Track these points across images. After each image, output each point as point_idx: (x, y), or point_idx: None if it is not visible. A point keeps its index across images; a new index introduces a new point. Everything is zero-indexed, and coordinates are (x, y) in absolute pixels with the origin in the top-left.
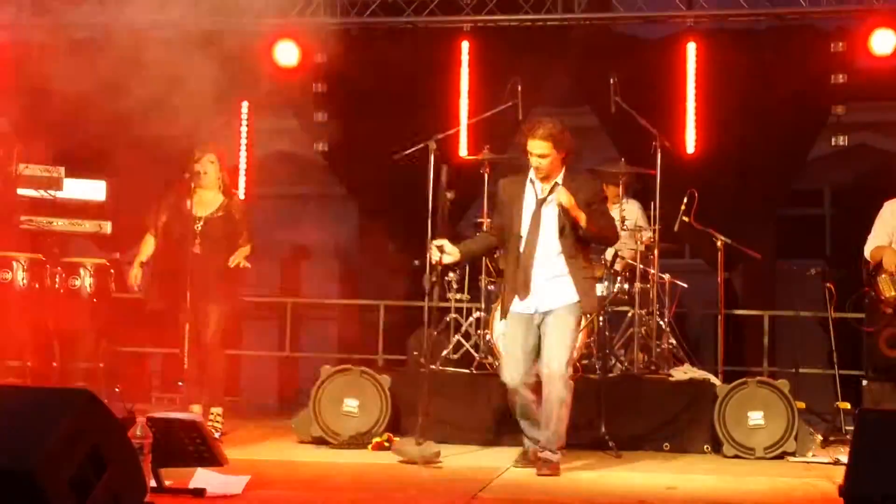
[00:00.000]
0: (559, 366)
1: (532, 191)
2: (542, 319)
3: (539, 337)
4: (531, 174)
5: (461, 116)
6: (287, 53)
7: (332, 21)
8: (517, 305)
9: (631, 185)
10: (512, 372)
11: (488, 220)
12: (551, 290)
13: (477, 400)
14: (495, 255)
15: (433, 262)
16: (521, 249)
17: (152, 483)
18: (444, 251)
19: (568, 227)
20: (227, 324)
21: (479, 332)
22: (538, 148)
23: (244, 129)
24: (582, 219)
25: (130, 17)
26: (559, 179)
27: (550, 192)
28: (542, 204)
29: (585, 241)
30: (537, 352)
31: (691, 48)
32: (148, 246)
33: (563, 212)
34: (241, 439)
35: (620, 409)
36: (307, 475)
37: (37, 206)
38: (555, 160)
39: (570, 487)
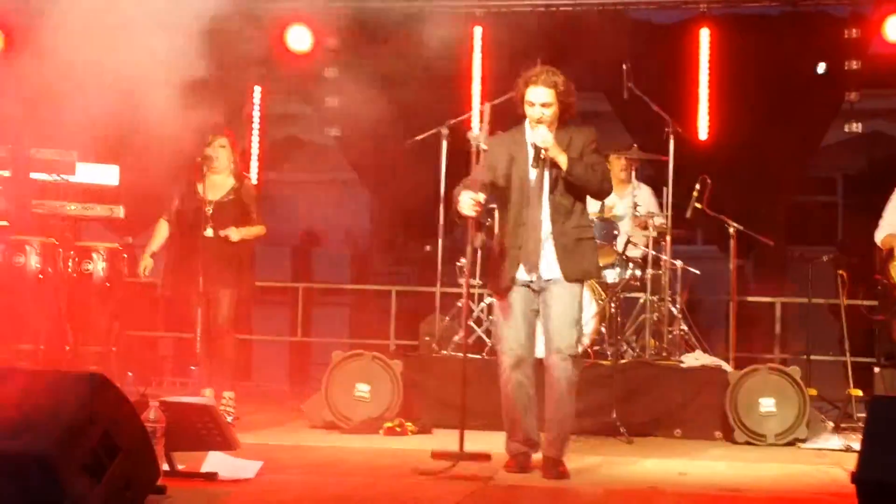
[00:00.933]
0: (568, 343)
1: (528, 148)
2: (543, 289)
3: (537, 310)
4: (526, 130)
5: (473, 101)
6: (300, 38)
7: (344, 5)
8: (520, 274)
9: (643, 171)
10: (512, 343)
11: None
12: (554, 257)
13: (490, 386)
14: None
15: (468, 214)
16: (525, 213)
17: (165, 467)
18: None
19: (562, 182)
20: (239, 308)
21: (490, 317)
22: (542, 96)
23: (256, 114)
24: (562, 161)
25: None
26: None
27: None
28: (544, 162)
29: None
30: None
31: (704, 34)
32: (161, 233)
33: (548, 161)
34: (253, 424)
35: (632, 395)
36: (319, 460)
37: (49, 190)
38: (555, 113)
39: (582, 473)
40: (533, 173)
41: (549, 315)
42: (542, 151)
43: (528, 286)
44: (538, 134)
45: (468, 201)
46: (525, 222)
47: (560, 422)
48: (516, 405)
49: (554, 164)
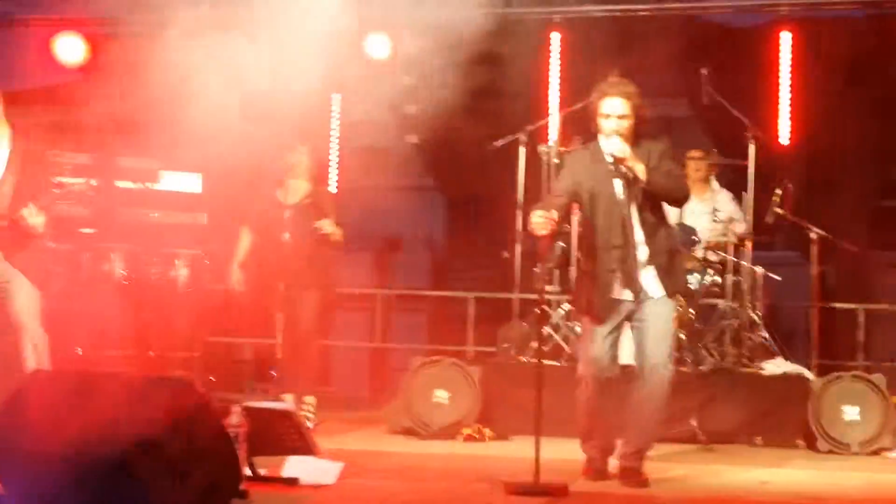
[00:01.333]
0: (665, 359)
1: (608, 164)
2: (636, 308)
3: (622, 322)
4: (602, 144)
5: (551, 108)
6: (378, 46)
7: (423, 13)
8: (615, 294)
9: (723, 176)
10: (598, 355)
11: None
12: (653, 275)
13: (567, 392)
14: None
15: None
16: (616, 234)
17: (247, 471)
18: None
19: (641, 195)
20: (322, 313)
21: (568, 323)
22: (618, 108)
23: (335, 121)
24: (639, 170)
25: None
26: None
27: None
28: (624, 175)
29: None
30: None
31: (785, 37)
32: (245, 241)
33: (625, 170)
34: (333, 429)
35: (712, 402)
36: (398, 465)
37: (134, 198)
38: (631, 125)
39: (662, 481)
40: (618, 191)
41: (647, 331)
42: (620, 164)
43: (621, 304)
44: (613, 144)
45: (540, 220)
46: (618, 244)
47: (646, 433)
48: (596, 413)
49: (634, 179)
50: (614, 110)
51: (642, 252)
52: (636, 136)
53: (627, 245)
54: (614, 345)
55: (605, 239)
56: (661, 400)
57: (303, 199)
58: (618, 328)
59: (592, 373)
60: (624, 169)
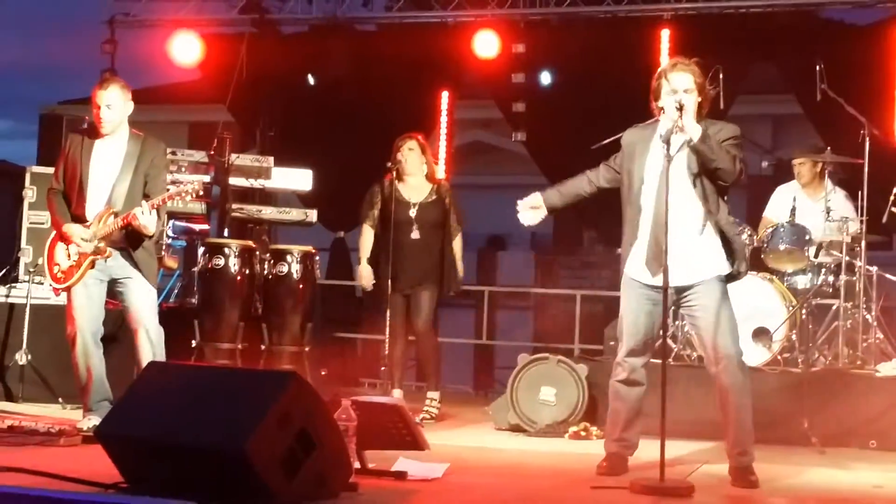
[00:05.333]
0: (735, 347)
1: (660, 143)
2: (681, 297)
3: (655, 317)
4: (662, 124)
5: None
6: (487, 44)
7: (532, 11)
8: (643, 276)
9: (837, 175)
10: (628, 350)
11: None
12: (692, 259)
13: (674, 392)
14: None
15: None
16: (650, 211)
17: (356, 464)
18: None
19: (702, 173)
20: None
21: (676, 322)
22: (684, 81)
23: (444, 118)
24: (693, 129)
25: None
26: None
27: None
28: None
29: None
30: (654, 335)
31: None
32: (368, 239)
33: (690, 149)
34: (439, 425)
35: (824, 404)
36: (504, 462)
37: (247, 194)
38: (696, 102)
39: (772, 482)
40: (665, 169)
41: (699, 321)
42: (679, 119)
43: (655, 290)
44: (673, 111)
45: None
46: (658, 225)
47: (740, 429)
48: (620, 416)
49: (688, 141)
50: (680, 84)
51: (680, 233)
52: (700, 117)
53: (658, 229)
54: (647, 339)
55: (638, 218)
56: (743, 389)
57: (427, 196)
58: (653, 320)
59: (620, 357)
60: (676, 130)
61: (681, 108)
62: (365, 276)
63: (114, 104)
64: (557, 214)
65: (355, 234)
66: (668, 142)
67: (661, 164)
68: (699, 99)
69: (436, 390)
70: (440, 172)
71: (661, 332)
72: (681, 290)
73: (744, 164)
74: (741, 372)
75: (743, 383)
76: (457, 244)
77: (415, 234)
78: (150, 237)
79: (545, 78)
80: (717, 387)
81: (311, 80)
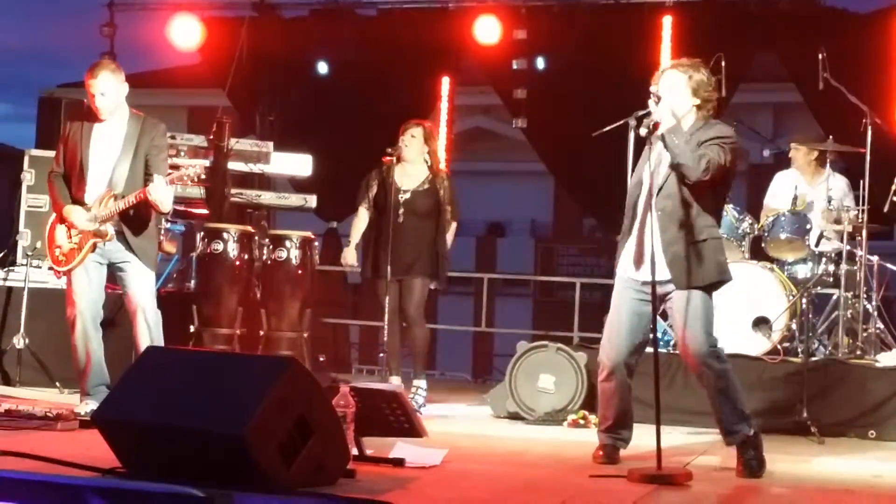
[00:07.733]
0: (704, 346)
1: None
2: (663, 293)
3: (642, 315)
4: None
5: None
6: (488, 30)
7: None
8: (629, 271)
9: (838, 164)
10: (608, 349)
11: None
12: (668, 259)
13: (673, 382)
14: None
15: None
16: (636, 211)
17: (354, 451)
18: None
19: (675, 174)
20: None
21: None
22: (668, 80)
23: (444, 105)
24: (668, 139)
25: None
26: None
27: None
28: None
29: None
30: (642, 334)
31: None
32: (360, 223)
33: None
34: (437, 413)
35: (824, 394)
36: (502, 450)
37: (246, 179)
38: (689, 102)
39: (772, 472)
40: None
41: (676, 320)
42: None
43: (639, 284)
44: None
45: None
46: (641, 224)
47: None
48: (608, 413)
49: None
50: (665, 83)
51: (661, 237)
52: (701, 117)
53: (641, 228)
54: (630, 335)
55: (632, 215)
56: (718, 376)
57: (420, 184)
58: (637, 317)
59: (601, 357)
60: (651, 123)
61: (658, 100)
62: (350, 257)
63: (107, 91)
64: (559, 201)
65: (348, 224)
66: (638, 126)
67: (652, 162)
68: (695, 101)
69: (422, 378)
70: (442, 163)
71: (648, 333)
72: (663, 286)
73: (732, 164)
74: (716, 362)
75: (720, 370)
76: (448, 238)
77: (400, 219)
78: (165, 214)
79: (546, 64)
80: (706, 386)
81: (323, 67)
